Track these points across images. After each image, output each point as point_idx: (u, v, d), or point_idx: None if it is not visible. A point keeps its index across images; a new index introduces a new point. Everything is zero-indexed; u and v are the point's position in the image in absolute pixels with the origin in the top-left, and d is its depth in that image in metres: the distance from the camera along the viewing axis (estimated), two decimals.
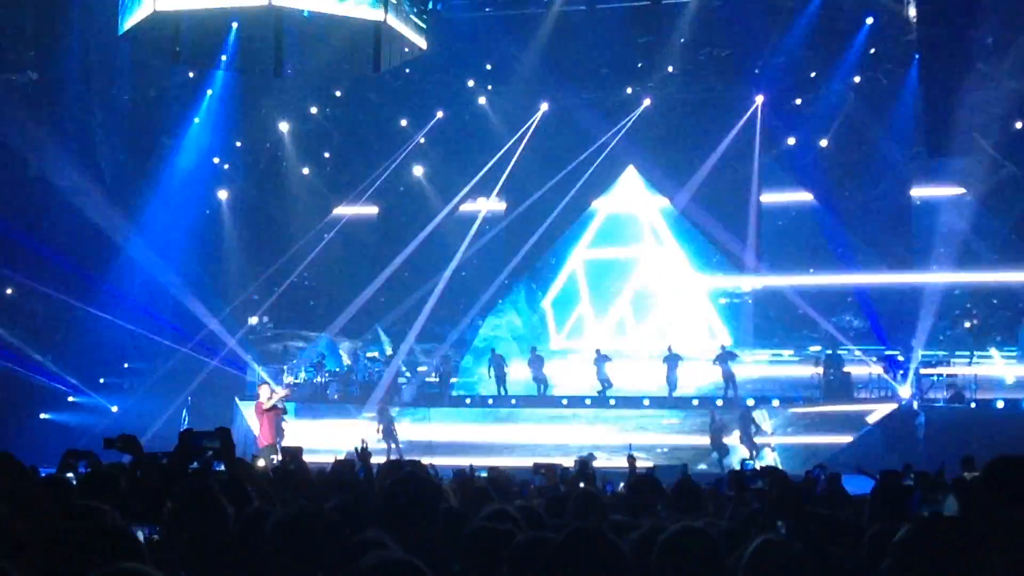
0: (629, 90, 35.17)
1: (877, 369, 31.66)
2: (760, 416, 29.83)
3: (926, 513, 5.22)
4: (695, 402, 31.75)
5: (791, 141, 34.77)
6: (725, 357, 31.85)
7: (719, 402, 31.04)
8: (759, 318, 36.86)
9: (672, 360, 32.18)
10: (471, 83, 35.92)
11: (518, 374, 34.60)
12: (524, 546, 4.55)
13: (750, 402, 30.68)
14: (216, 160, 36.44)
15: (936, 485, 5.74)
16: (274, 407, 22.37)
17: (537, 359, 33.80)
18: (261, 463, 19.25)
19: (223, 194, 37.36)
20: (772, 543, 4.90)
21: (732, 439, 29.03)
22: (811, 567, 4.84)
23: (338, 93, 36.36)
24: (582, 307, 38.60)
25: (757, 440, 28.89)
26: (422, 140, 36.96)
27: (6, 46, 30.92)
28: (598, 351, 33.54)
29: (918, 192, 34.51)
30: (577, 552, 4.08)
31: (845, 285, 34.83)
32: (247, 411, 32.36)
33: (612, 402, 32.42)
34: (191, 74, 33.67)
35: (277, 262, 36.84)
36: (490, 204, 37.67)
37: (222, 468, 6.48)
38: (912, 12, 31.14)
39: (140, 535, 5.03)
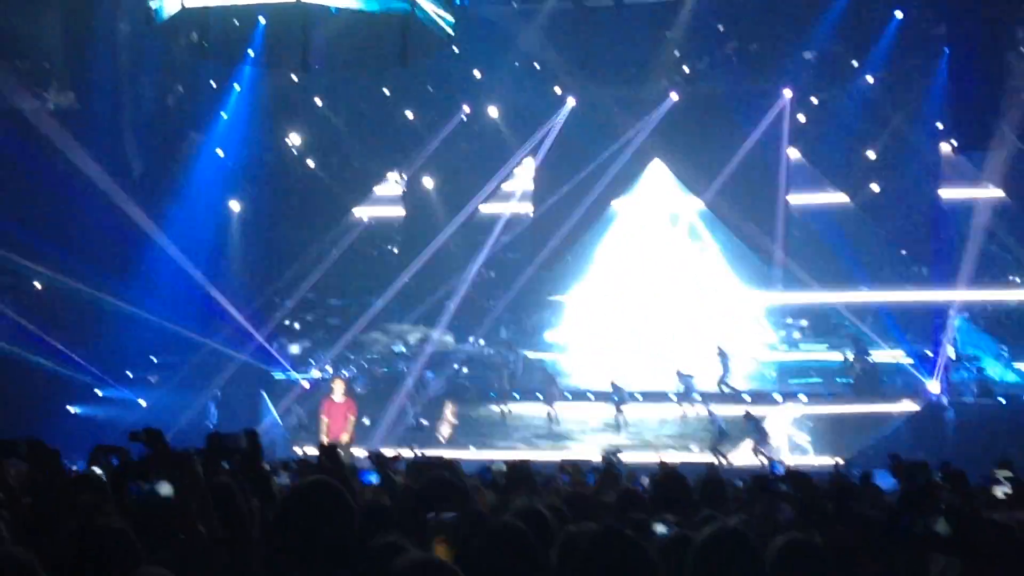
0: (655, 86, 35.03)
1: (906, 360, 31.63)
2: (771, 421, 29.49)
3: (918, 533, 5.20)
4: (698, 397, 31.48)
5: (819, 137, 34.55)
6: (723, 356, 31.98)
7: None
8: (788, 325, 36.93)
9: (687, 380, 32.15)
10: (496, 79, 35.83)
11: None
12: (550, 545, 4.54)
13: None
14: (244, 156, 36.47)
15: (926, 506, 5.69)
16: (347, 401, 22.44)
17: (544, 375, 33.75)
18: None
19: (245, 194, 37.34)
20: (799, 542, 4.88)
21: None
22: (840, 568, 4.82)
23: (363, 87, 36.29)
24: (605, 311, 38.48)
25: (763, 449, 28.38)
26: (446, 135, 36.89)
27: (39, 65, 31.16)
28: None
29: (948, 194, 34.00)
30: (606, 553, 4.06)
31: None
32: (275, 405, 32.60)
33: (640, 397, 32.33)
34: (219, 69, 33.72)
35: (299, 260, 37.04)
36: (514, 206, 37.73)
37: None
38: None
39: None
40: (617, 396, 31.38)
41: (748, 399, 30.78)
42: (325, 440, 21.23)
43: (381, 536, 4.53)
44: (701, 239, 37.96)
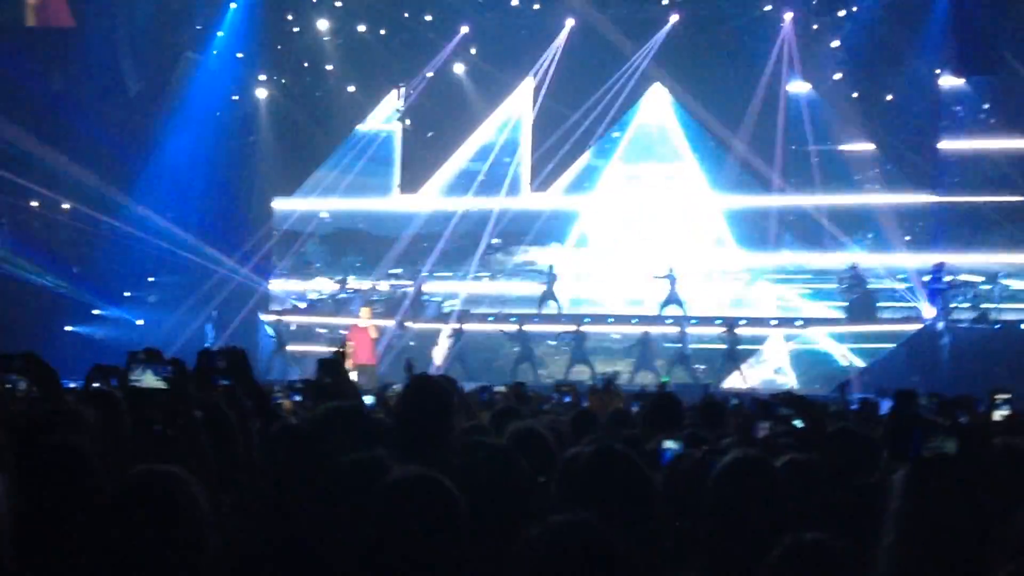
0: (656, 6, 34.72)
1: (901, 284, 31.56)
2: None
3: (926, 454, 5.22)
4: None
5: (819, 59, 34.31)
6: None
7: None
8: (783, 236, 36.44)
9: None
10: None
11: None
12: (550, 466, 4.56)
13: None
14: (241, 73, 36.14)
15: (936, 425, 5.71)
16: (372, 326, 22.67)
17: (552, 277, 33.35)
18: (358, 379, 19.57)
19: (255, 99, 36.99)
20: (800, 462, 4.90)
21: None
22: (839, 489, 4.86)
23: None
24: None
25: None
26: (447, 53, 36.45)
27: None
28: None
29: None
30: (601, 470, 4.08)
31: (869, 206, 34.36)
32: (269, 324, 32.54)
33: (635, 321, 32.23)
34: None
35: (304, 180, 36.76)
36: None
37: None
38: None
39: None
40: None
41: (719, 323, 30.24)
42: (351, 364, 21.47)
43: (365, 451, 4.47)
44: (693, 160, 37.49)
